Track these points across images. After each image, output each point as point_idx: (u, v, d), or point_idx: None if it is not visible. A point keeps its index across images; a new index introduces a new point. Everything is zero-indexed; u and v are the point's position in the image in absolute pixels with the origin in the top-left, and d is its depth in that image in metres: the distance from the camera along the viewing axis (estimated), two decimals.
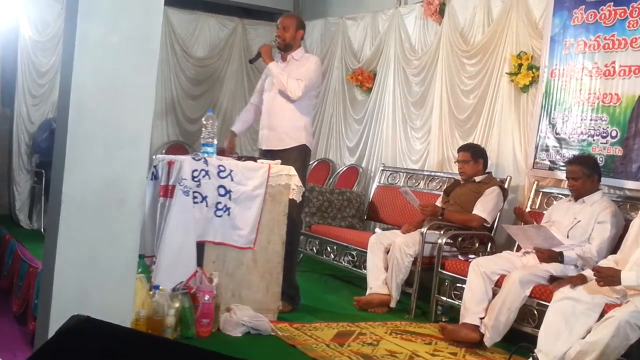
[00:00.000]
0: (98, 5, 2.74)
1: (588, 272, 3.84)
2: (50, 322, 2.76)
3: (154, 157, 4.61)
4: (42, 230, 6.51)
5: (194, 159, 4.16)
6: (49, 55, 6.99)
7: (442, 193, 5.48)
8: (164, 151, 7.39)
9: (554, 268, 4.15)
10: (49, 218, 3.02)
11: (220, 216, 4.16)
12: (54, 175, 2.89)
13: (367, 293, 5.02)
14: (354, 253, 5.59)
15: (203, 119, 4.36)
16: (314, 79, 4.77)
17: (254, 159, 4.51)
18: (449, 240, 4.90)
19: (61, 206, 2.72)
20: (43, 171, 6.61)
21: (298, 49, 4.83)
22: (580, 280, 3.81)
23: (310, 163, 6.77)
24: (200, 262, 4.11)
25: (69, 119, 2.71)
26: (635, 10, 4.62)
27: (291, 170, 4.40)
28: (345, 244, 5.71)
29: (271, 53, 4.78)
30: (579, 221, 4.34)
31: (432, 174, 6.05)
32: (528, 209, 5.01)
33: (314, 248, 6.09)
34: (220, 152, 4.51)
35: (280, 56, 4.86)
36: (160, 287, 3.81)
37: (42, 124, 6.94)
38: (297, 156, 4.70)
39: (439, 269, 4.80)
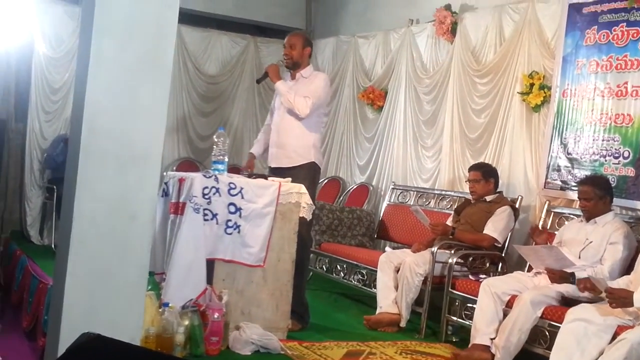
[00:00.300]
0: (112, 22, 2.77)
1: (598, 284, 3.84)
2: (60, 338, 2.77)
3: (164, 174, 4.62)
4: (53, 246, 6.53)
5: (204, 176, 4.17)
6: (63, 71, 7.04)
7: (452, 212, 5.46)
8: (174, 168, 7.41)
9: (566, 289, 4.12)
10: (60, 234, 3.03)
11: (230, 234, 4.16)
12: (65, 192, 2.90)
13: (377, 312, 4.99)
14: (364, 272, 5.56)
15: (214, 136, 4.37)
16: (322, 97, 4.79)
17: (265, 177, 4.51)
18: (459, 260, 4.87)
19: (72, 222, 2.74)
20: (55, 187, 6.64)
21: (307, 66, 4.85)
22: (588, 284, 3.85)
23: (321, 181, 6.79)
24: (210, 280, 4.11)
25: (81, 135, 2.74)
26: None
27: (302, 188, 4.41)
28: (355, 263, 5.69)
29: (279, 72, 4.81)
30: (591, 242, 4.31)
31: (443, 193, 6.03)
32: None
33: (323, 266, 6.07)
34: (233, 170, 4.52)
35: (289, 74, 4.88)
36: (170, 305, 3.80)
37: (55, 140, 6.98)
38: (306, 174, 4.71)
39: (450, 289, 4.77)
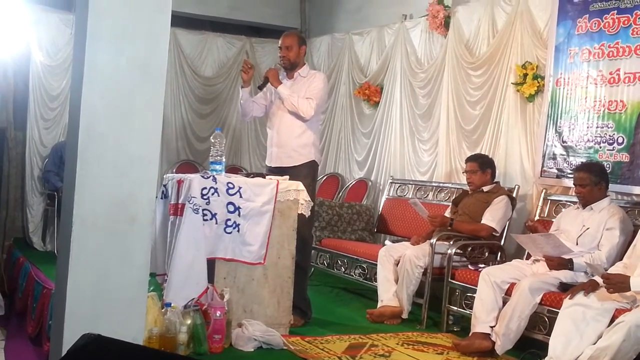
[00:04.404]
0: (106, 29, 2.82)
1: (599, 278, 3.85)
2: (63, 342, 2.81)
3: (164, 176, 4.66)
4: (55, 252, 6.57)
5: (202, 177, 4.22)
6: (60, 79, 7.09)
7: (450, 204, 5.50)
8: (174, 170, 7.44)
9: (564, 275, 4.16)
10: (60, 239, 3.07)
11: (230, 233, 4.20)
12: (65, 197, 2.95)
13: (379, 305, 5.04)
14: (365, 266, 5.61)
15: (211, 137, 4.42)
16: (324, 97, 4.89)
17: (263, 176, 4.55)
18: (458, 251, 4.91)
19: (72, 227, 2.78)
20: (55, 194, 6.69)
21: (303, 65, 4.89)
22: (592, 286, 3.81)
23: (320, 177, 6.83)
24: (211, 279, 4.15)
25: (78, 141, 2.78)
26: (639, 18, 4.65)
27: (299, 185, 4.45)
28: (355, 257, 5.74)
29: (278, 76, 4.82)
30: (588, 228, 4.34)
31: (441, 185, 6.08)
32: (536, 217, 5.03)
33: (324, 262, 6.12)
34: (232, 170, 4.54)
35: (286, 74, 4.91)
36: (172, 305, 3.85)
37: (54, 147, 7.03)
38: (307, 172, 4.76)
39: (449, 279, 4.82)
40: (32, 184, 7.11)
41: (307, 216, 4.50)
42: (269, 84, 4.82)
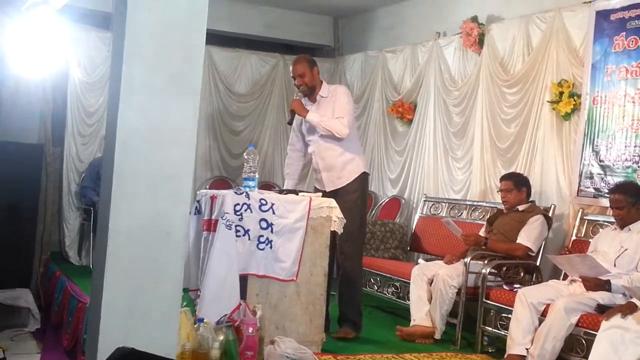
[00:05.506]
0: (142, 47, 2.85)
1: (637, 300, 3.77)
2: (98, 356, 2.81)
3: (197, 192, 4.69)
4: (91, 266, 6.64)
5: (236, 193, 4.23)
6: (97, 95, 7.22)
7: (485, 223, 5.44)
8: (208, 186, 7.50)
9: (601, 296, 4.08)
10: (96, 253, 3.10)
11: (262, 249, 4.21)
12: (100, 211, 2.98)
13: (411, 324, 4.99)
14: (398, 284, 5.58)
15: (244, 153, 4.44)
16: (351, 110, 4.87)
17: (296, 192, 4.56)
18: (493, 270, 4.85)
19: (108, 241, 2.80)
20: (92, 208, 6.78)
21: (321, 85, 4.88)
22: (630, 308, 3.73)
23: None
24: (243, 295, 4.15)
25: (114, 156, 2.81)
26: None
27: (332, 202, 4.45)
28: (388, 275, 5.71)
29: (303, 105, 4.81)
30: (626, 249, 4.26)
31: (475, 203, 6.02)
32: (573, 237, 4.97)
33: None
34: (265, 187, 4.56)
35: (308, 99, 4.88)
36: (205, 320, 3.85)
37: (91, 162, 7.13)
38: (357, 186, 4.85)
39: (484, 299, 4.75)
40: (69, 199, 7.23)
41: (339, 233, 4.49)
42: (296, 115, 4.84)
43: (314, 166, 4.99)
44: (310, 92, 4.84)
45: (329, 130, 4.71)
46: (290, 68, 4.92)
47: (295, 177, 5.10)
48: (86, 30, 7.14)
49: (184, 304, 3.76)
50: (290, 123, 4.93)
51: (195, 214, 4.40)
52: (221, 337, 3.81)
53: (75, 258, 7.17)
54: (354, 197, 4.68)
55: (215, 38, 7.44)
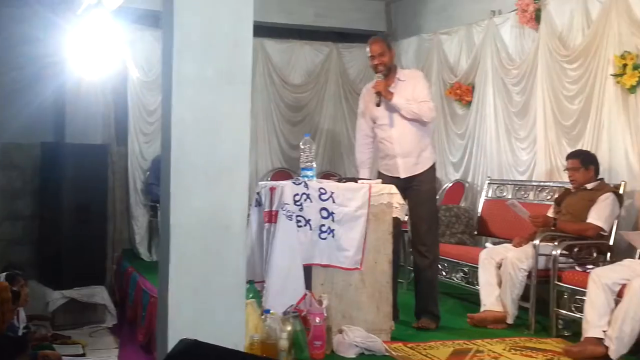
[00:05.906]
0: (190, 42, 2.87)
1: None
2: (168, 349, 2.85)
3: (258, 183, 4.70)
4: None
5: (294, 183, 4.22)
6: (156, 94, 7.31)
7: (553, 203, 5.28)
8: (269, 178, 7.53)
9: None
10: (160, 248, 3.14)
11: (324, 238, 4.18)
12: (162, 207, 3.01)
13: (481, 310, 4.89)
14: (466, 269, 5.50)
15: (301, 143, 4.42)
16: (431, 94, 4.83)
17: (355, 180, 4.52)
18: (564, 252, 4.70)
19: (170, 236, 2.83)
20: (158, 205, 6.90)
21: (396, 68, 4.81)
22: None
23: None
24: (308, 285, 4.14)
25: (171, 152, 2.83)
26: None
27: (392, 189, 4.39)
28: (456, 261, 5.63)
29: (387, 87, 4.68)
30: None
31: (541, 184, 5.85)
32: None
33: None
34: (327, 176, 4.53)
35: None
36: (272, 311, 3.86)
37: (154, 159, 7.26)
38: (432, 176, 4.81)
39: (556, 282, 4.61)
40: (135, 197, 7.37)
41: (401, 219, 4.43)
42: (361, 101, 4.78)
43: (386, 152, 4.83)
44: (389, 73, 4.74)
45: (417, 114, 4.61)
46: (367, 49, 4.80)
47: (370, 165, 5.01)
48: (141, 30, 7.24)
49: (250, 295, 3.78)
50: (378, 105, 4.70)
51: (256, 205, 4.41)
52: (289, 328, 3.83)
53: (146, 254, 7.32)
54: (430, 187, 4.66)
55: (267, 30, 7.44)
